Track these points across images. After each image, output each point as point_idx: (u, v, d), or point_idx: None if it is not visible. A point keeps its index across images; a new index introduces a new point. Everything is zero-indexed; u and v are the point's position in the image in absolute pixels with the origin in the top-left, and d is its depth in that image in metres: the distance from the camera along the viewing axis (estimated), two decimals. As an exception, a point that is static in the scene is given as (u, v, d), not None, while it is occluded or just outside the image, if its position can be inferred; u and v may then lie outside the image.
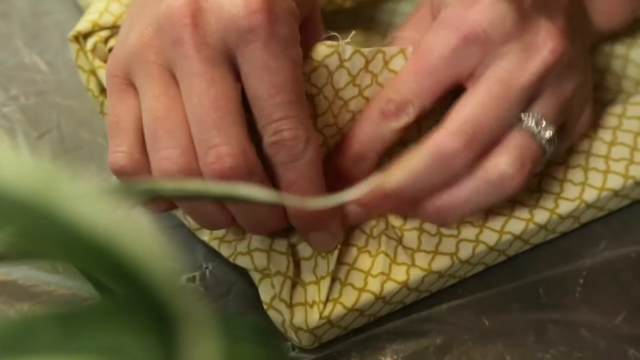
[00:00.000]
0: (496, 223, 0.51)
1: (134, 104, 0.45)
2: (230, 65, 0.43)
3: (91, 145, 0.57)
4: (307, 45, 0.47)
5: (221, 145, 0.42)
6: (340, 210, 0.49)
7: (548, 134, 0.48)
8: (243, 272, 0.52)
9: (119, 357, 0.17)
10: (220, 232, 0.50)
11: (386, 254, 0.50)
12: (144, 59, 0.44)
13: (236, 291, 0.52)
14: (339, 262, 0.50)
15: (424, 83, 0.48)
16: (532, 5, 0.48)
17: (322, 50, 0.47)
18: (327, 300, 0.48)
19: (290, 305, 0.48)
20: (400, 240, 0.50)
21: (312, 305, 0.48)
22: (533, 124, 0.48)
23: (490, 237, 0.51)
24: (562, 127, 0.51)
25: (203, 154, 0.43)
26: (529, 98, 0.48)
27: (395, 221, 0.51)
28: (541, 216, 0.52)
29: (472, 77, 0.48)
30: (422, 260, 0.50)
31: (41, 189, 0.19)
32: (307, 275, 0.49)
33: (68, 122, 0.58)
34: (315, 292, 0.48)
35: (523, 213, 0.52)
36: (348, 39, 0.48)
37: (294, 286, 0.49)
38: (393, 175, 0.47)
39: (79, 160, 0.56)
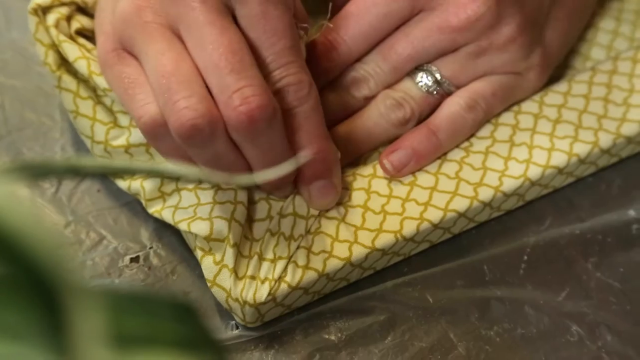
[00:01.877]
0: (440, 200, 0.51)
1: (140, 69, 0.46)
2: (232, 16, 0.45)
3: (35, 125, 0.56)
4: None
5: (245, 86, 0.43)
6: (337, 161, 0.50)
7: (430, 82, 0.52)
8: (187, 253, 0.52)
9: (5, 336, 0.16)
10: (175, 200, 0.50)
11: (326, 234, 0.50)
12: (141, 21, 0.45)
13: (180, 271, 0.51)
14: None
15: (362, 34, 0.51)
16: None
17: None
18: (279, 279, 0.48)
19: (241, 278, 0.48)
20: (343, 218, 0.50)
21: (264, 281, 0.48)
22: (419, 75, 0.52)
23: (434, 214, 0.51)
24: None
25: (227, 99, 0.43)
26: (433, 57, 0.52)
27: (341, 197, 0.51)
28: (485, 194, 0.52)
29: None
30: (365, 237, 0.50)
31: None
32: (266, 252, 0.49)
33: (12, 102, 0.57)
34: (270, 269, 0.48)
35: (467, 191, 0.52)
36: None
37: (248, 259, 0.49)
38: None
39: (23, 141, 0.56)
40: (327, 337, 0.49)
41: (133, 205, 0.53)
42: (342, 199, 0.51)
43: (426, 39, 0.51)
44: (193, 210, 0.49)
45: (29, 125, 0.56)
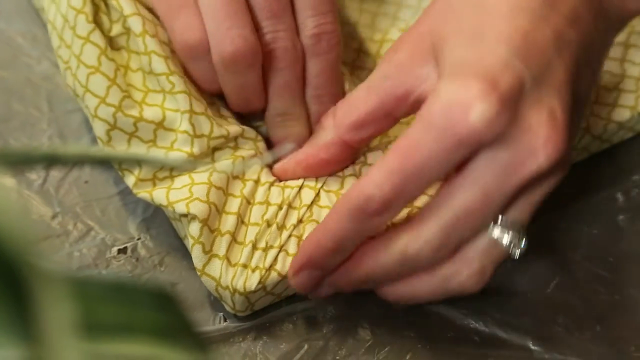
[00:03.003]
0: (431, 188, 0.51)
1: None
2: None
3: (22, 116, 0.56)
4: None
5: (281, 30, 0.51)
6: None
7: (514, 238, 0.46)
8: (175, 244, 0.51)
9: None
10: (167, 182, 0.49)
11: (317, 222, 0.49)
12: None
13: (168, 262, 0.51)
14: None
15: (410, 182, 0.44)
16: (527, 96, 0.44)
17: None
18: (270, 268, 0.48)
19: (234, 265, 0.48)
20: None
21: (255, 270, 0.48)
22: (499, 233, 0.45)
23: (425, 202, 0.51)
24: None
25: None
26: (506, 205, 0.45)
27: (333, 185, 0.51)
28: None
29: (458, 171, 0.45)
30: None
31: None
32: (260, 241, 0.49)
33: (-1, 93, 0.57)
34: (261, 258, 0.48)
35: None
36: None
37: (242, 247, 0.48)
38: (359, 270, 0.47)
39: (10, 131, 0.55)
40: (315, 328, 0.49)
41: (121, 196, 0.53)
42: (333, 187, 0.51)
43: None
44: (188, 190, 0.49)
45: (16, 116, 0.56)
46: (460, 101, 0.43)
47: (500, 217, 0.45)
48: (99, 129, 0.50)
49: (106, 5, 0.52)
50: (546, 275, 0.51)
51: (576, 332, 0.50)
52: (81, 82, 0.50)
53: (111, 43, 0.51)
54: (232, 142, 0.51)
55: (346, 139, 0.49)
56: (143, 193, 0.50)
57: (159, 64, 0.50)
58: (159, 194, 0.49)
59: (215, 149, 0.50)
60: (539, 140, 0.43)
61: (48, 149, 0.26)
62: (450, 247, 0.45)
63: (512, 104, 0.43)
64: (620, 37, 0.57)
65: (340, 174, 0.51)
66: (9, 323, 0.16)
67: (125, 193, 0.53)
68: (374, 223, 0.45)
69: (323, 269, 0.47)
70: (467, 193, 0.44)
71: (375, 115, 0.48)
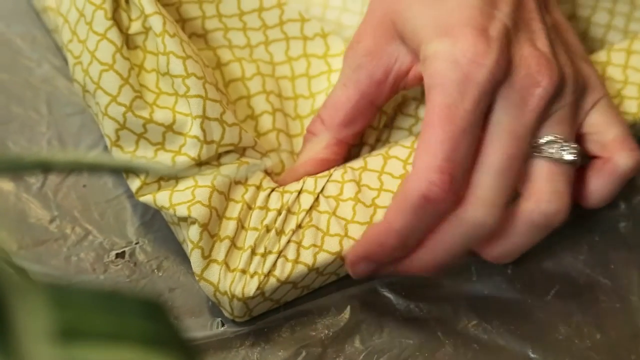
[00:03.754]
0: None
1: None
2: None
3: (22, 119, 0.56)
4: None
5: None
6: None
7: (570, 149, 0.48)
8: (174, 248, 0.51)
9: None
10: (171, 183, 0.49)
11: (317, 228, 0.49)
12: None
13: (166, 267, 0.51)
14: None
15: (461, 146, 0.46)
16: (512, 35, 0.48)
17: None
18: (269, 274, 0.48)
19: (232, 271, 0.48)
20: (334, 212, 0.50)
21: (253, 275, 0.48)
22: (553, 150, 0.48)
23: None
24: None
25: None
26: (536, 131, 0.48)
27: (332, 190, 0.51)
28: None
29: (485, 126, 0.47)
30: (356, 231, 0.49)
31: None
32: (259, 246, 0.48)
33: (-2, 96, 0.57)
34: (260, 264, 0.48)
35: None
36: None
37: (241, 252, 0.48)
38: (421, 256, 0.47)
39: (9, 134, 0.55)
40: (313, 334, 0.49)
41: (119, 200, 0.53)
42: (332, 192, 0.50)
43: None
44: (191, 192, 0.49)
45: (15, 118, 0.56)
46: (463, 53, 0.46)
47: (537, 140, 0.48)
48: (108, 127, 0.50)
49: (127, 2, 0.51)
50: (546, 282, 0.51)
51: (576, 340, 0.49)
52: (93, 79, 0.50)
53: (128, 41, 0.51)
54: (240, 150, 0.51)
55: (341, 138, 0.52)
56: (146, 197, 0.49)
57: (177, 66, 0.50)
58: (162, 196, 0.49)
59: (223, 153, 0.50)
60: (532, 69, 0.47)
61: (42, 155, 0.26)
62: (507, 197, 0.47)
63: (505, 46, 0.47)
64: (623, 44, 0.57)
65: (339, 179, 0.51)
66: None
67: (124, 197, 0.53)
68: (440, 210, 0.46)
69: (383, 263, 0.48)
70: (498, 143, 0.47)
71: (360, 107, 0.51)
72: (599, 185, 0.50)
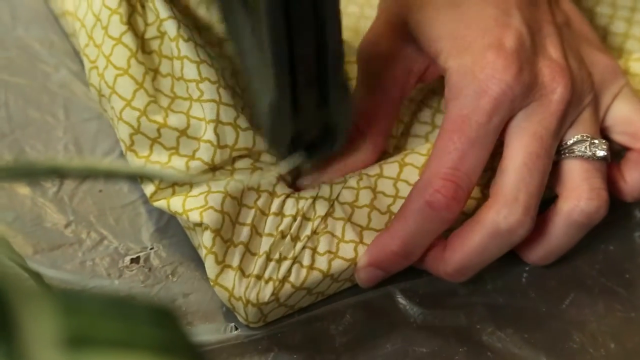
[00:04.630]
0: None
1: None
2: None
3: (39, 124, 0.56)
4: None
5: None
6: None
7: (601, 145, 0.49)
8: (188, 254, 0.51)
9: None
10: (185, 188, 0.49)
11: (332, 234, 0.49)
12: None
13: (181, 272, 0.51)
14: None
15: (469, 156, 0.47)
16: (528, 45, 0.48)
17: None
18: (284, 279, 0.48)
19: (247, 276, 0.48)
20: (349, 218, 0.50)
21: (268, 281, 0.48)
22: (583, 148, 0.49)
23: None
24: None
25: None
26: (561, 133, 0.49)
27: (348, 197, 0.51)
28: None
29: (504, 132, 0.48)
30: (371, 238, 0.49)
31: None
32: (274, 252, 0.48)
33: (16, 100, 0.57)
34: (274, 269, 0.48)
35: (474, 192, 0.51)
36: None
37: (256, 258, 0.48)
38: (451, 259, 0.48)
39: (26, 139, 0.56)
40: (327, 340, 0.49)
41: (134, 205, 0.53)
42: (348, 198, 0.50)
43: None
44: (204, 197, 0.49)
45: (32, 123, 0.56)
46: (482, 69, 0.47)
47: (566, 142, 0.49)
48: (123, 131, 0.50)
49: (142, 7, 0.51)
50: (561, 291, 0.51)
51: (590, 349, 0.49)
52: (108, 83, 0.50)
53: (143, 46, 0.51)
54: (255, 155, 0.51)
55: (379, 145, 0.52)
56: (160, 201, 0.50)
57: (191, 70, 0.50)
58: (175, 201, 0.49)
59: (237, 158, 0.50)
60: (546, 78, 0.48)
61: (57, 162, 0.26)
62: (537, 199, 0.47)
63: (521, 58, 0.47)
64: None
65: (355, 185, 0.51)
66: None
67: (139, 203, 0.53)
68: (443, 217, 0.47)
69: (387, 270, 0.49)
70: (520, 143, 0.47)
71: (390, 110, 0.52)
72: (637, 177, 0.50)
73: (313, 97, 0.46)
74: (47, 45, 0.59)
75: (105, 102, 0.51)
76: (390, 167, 0.52)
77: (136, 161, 0.50)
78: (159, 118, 0.50)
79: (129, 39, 0.50)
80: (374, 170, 0.52)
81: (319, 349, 0.49)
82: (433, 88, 0.56)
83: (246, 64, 0.48)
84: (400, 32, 0.51)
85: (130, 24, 0.50)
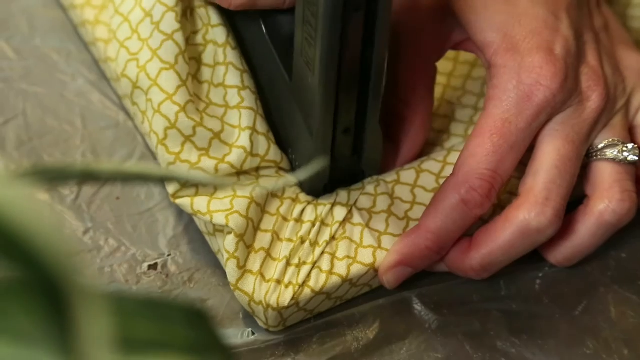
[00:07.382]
0: None
1: None
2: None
3: (57, 132, 0.57)
4: None
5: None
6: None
7: (633, 149, 0.50)
8: (205, 260, 0.52)
9: (14, 338, 0.17)
10: (210, 189, 0.50)
11: (351, 239, 0.50)
12: None
13: (198, 278, 0.52)
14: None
15: (507, 159, 0.48)
16: (573, 52, 0.49)
17: None
18: (303, 284, 0.48)
19: (268, 281, 0.48)
20: (367, 224, 0.50)
21: (288, 286, 0.48)
22: (615, 152, 0.49)
23: None
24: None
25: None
26: (592, 137, 0.50)
27: (365, 203, 0.51)
28: (509, 202, 0.51)
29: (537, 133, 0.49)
30: (389, 243, 0.50)
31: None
32: (293, 257, 0.49)
33: (34, 109, 0.58)
34: (294, 274, 0.49)
35: None
36: None
37: (276, 262, 0.49)
38: (477, 254, 0.49)
39: (44, 147, 0.56)
40: (343, 345, 0.49)
41: (152, 213, 0.54)
42: (366, 204, 0.51)
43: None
44: (230, 201, 0.49)
45: (50, 132, 0.57)
46: (529, 74, 0.47)
47: (596, 145, 0.50)
48: (158, 124, 0.50)
49: (191, 13, 0.52)
50: (574, 298, 0.51)
51: (604, 355, 0.49)
52: (150, 75, 0.51)
53: (188, 50, 0.52)
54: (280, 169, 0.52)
55: (426, 113, 0.53)
56: (183, 199, 0.50)
57: (235, 77, 0.51)
58: (199, 201, 0.49)
59: (262, 167, 0.51)
60: (583, 85, 0.49)
61: (83, 165, 0.26)
62: (565, 200, 0.48)
63: (569, 67, 0.48)
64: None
65: (372, 192, 0.51)
66: (48, 336, 0.17)
67: (156, 209, 0.54)
68: (475, 215, 0.48)
69: (417, 267, 0.50)
70: (551, 146, 0.48)
71: (428, 77, 0.53)
72: None
73: (349, 144, 0.47)
74: (65, 55, 0.60)
75: (138, 95, 0.51)
76: (407, 174, 0.52)
77: (166, 156, 0.50)
78: (197, 117, 0.50)
79: (179, 37, 0.51)
80: (391, 176, 0.52)
81: (335, 354, 0.49)
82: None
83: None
84: (442, 9, 0.51)
85: (181, 24, 0.51)
